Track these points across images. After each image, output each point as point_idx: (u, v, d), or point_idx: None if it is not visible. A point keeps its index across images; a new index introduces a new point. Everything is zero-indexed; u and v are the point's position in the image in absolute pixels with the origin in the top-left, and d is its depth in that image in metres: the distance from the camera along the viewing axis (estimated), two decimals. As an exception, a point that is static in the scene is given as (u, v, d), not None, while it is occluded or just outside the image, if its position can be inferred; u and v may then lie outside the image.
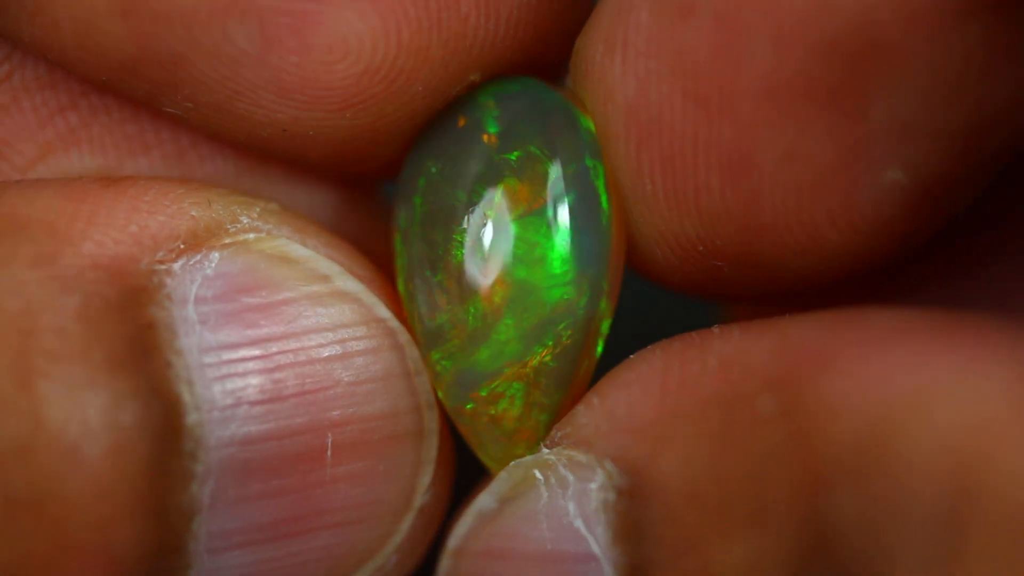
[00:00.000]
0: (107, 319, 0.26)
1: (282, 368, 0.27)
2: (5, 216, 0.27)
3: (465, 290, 0.29)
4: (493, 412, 0.29)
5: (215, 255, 0.28)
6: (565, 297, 0.28)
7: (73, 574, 0.26)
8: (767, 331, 0.27)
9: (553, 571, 0.28)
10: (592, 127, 0.29)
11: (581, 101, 0.29)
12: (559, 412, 0.29)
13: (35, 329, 0.26)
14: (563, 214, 0.29)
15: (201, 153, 0.31)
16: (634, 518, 0.27)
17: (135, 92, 0.29)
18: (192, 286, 0.27)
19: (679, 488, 0.26)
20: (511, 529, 0.28)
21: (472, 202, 0.29)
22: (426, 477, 0.29)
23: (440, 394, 0.29)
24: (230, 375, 0.27)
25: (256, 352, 0.27)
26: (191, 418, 0.27)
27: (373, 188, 0.32)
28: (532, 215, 0.29)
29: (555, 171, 0.29)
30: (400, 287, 0.30)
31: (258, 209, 0.29)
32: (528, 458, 0.29)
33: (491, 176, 0.29)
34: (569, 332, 0.29)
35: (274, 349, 0.27)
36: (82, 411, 0.25)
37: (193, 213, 0.28)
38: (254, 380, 0.27)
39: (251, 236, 0.28)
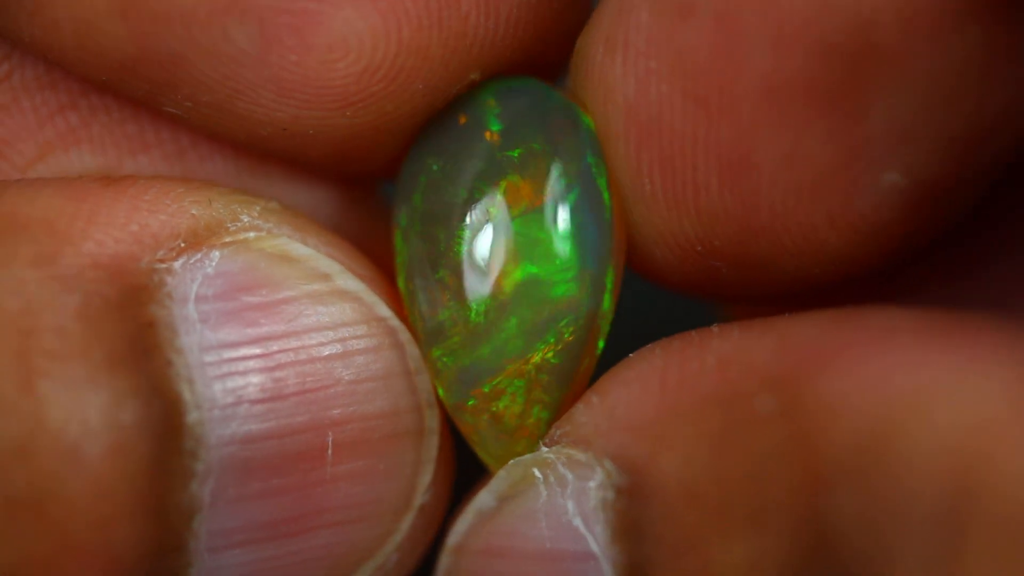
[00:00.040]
0: (107, 318, 0.26)
1: (283, 367, 0.27)
2: (5, 215, 0.27)
3: (467, 287, 0.29)
4: (494, 409, 0.29)
5: (216, 254, 0.28)
6: (568, 294, 0.29)
7: (74, 574, 0.26)
8: (767, 330, 0.27)
9: (552, 569, 0.28)
10: (593, 126, 0.29)
11: (581, 101, 0.29)
12: (560, 409, 0.29)
13: (35, 328, 0.26)
14: (565, 211, 0.29)
15: (201, 152, 0.31)
16: (633, 517, 0.27)
17: (135, 92, 0.29)
18: (193, 284, 0.27)
19: (678, 487, 0.26)
20: (510, 527, 0.28)
21: (474, 199, 0.29)
22: (426, 476, 0.29)
23: (441, 391, 0.29)
24: (231, 374, 0.27)
25: (257, 351, 0.27)
26: (192, 417, 0.27)
27: (372, 187, 0.32)
28: (534, 212, 0.29)
29: (557, 168, 0.29)
30: (400, 285, 0.30)
31: (258, 208, 0.29)
32: (527, 456, 0.29)
33: (493, 173, 0.29)
34: (572, 329, 0.29)
35: (275, 348, 0.27)
36: (82, 410, 0.25)
37: (193, 212, 0.28)
38: (255, 379, 0.27)
39: (251, 235, 0.28)
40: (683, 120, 0.27)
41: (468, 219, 0.29)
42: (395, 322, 0.29)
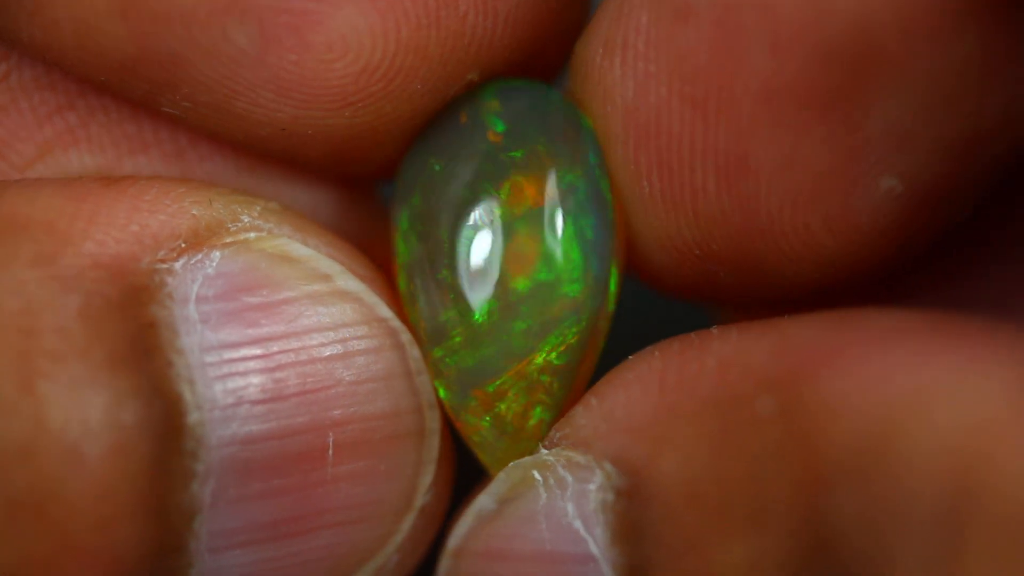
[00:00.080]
0: (108, 318, 0.26)
1: (283, 367, 0.27)
2: (5, 216, 0.27)
3: (470, 288, 0.29)
4: (496, 410, 0.29)
5: (216, 254, 0.28)
6: (572, 295, 0.29)
7: (74, 574, 0.26)
8: (766, 331, 0.27)
9: (552, 572, 0.28)
10: (592, 127, 0.29)
11: (579, 102, 0.29)
12: (561, 410, 0.29)
13: (36, 329, 0.26)
14: (569, 212, 0.29)
15: (200, 152, 0.31)
16: (633, 519, 0.27)
17: (134, 92, 0.29)
18: (193, 285, 0.27)
19: (678, 488, 0.26)
20: (510, 530, 0.28)
21: (477, 200, 0.29)
22: (427, 477, 0.29)
23: (442, 392, 0.29)
24: (231, 374, 0.27)
25: (257, 351, 0.27)
26: (192, 417, 0.27)
27: (371, 188, 0.32)
28: (538, 213, 0.29)
29: (560, 169, 0.29)
30: (401, 285, 0.30)
31: (259, 208, 0.29)
32: (527, 459, 0.29)
33: (496, 174, 0.29)
34: (575, 330, 0.29)
35: (275, 348, 0.27)
36: (83, 411, 0.25)
37: (194, 212, 0.28)
38: (255, 379, 0.27)
39: (252, 235, 0.28)
40: (681, 123, 0.28)
41: (471, 220, 0.29)
42: (396, 323, 0.29)
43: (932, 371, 0.24)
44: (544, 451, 0.29)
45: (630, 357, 0.28)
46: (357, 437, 0.28)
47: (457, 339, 0.29)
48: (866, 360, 0.25)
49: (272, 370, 0.27)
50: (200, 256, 0.27)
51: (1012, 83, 0.27)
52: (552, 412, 0.29)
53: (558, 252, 0.29)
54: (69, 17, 0.28)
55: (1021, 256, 0.31)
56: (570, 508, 0.28)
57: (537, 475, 0.28)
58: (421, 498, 0.29)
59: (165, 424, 0.26)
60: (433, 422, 0.29)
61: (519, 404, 0.29)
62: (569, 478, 0.28)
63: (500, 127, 0.29)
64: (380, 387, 0.28)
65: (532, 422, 0.29)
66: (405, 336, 0.29)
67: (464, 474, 0.30)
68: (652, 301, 0.34)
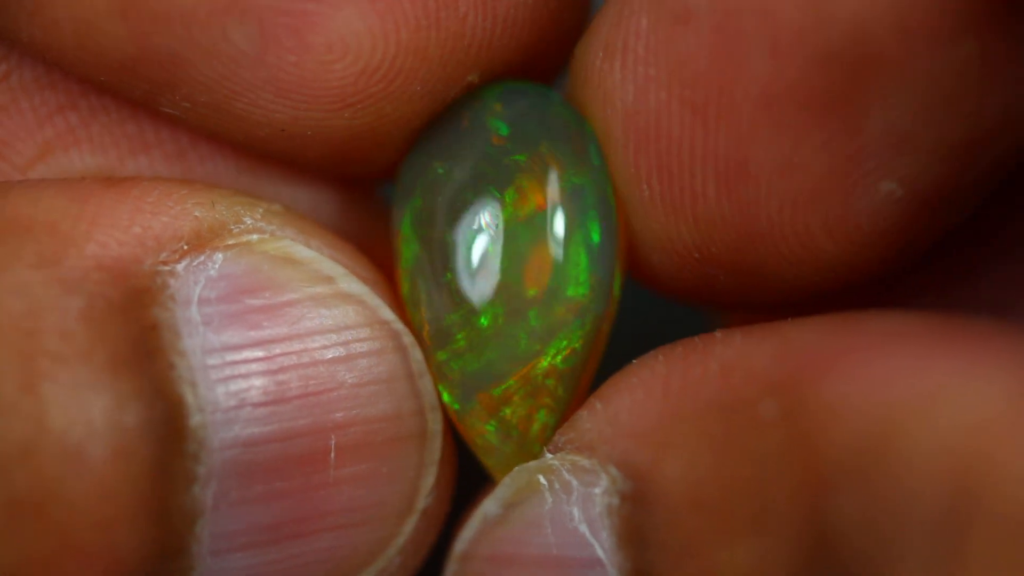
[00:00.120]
0: (111, 320, 0.26)
1: (285, 370, 0.27)
2: (9, 217, 0.27)
3: (475, 292, 0.29)
4: (500, 414, 0.29)
5: (219, 256, 0.28)
6: (577, 298, 0.29)
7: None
8: (769, 335, 0.27)
9: None
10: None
11: (579, 105, 0.29)
12: (565, 414, 0.29)
13: (38, 330, 0.26)
14: (573, 215, 0.29)
15: (201, 153, 0.31)
16: (638, 522, 0.27)
17: (134, 92, 0.29)
18: (196, 287, 0.27)
19: (682, 492, 0.26)
20: (516, 534, 0.28)
21: (481, 203, 0.29)
22: (429, 479, 0.29)
23: (445, 396, 0.29)
24: (233, 377, 0.27)
25: (259, 354, 0.27)
26: (194, 420, 0.26)
27: (371, 189, 0.32)
28: (542, 216, 0.29)
29: (565, 172, 0.29)
30: (404, 288, 0.30)
31: (261, 210, 0.29)
32: (532, 463, 0.29)
33: (501, 178, 0.29)
34: (579, 334, 0.29)
35: (277, 351, 0.27)
36: (85, 413, 0.25)
37: (197, 214, 0.28)
38: (257, 382, 0.27)
39: (255, 237, 0.28)
40: (681, 127, 0.28)
41: (475, 223, 0.29)
42: (398, 325, 0.28)
43: (933, 373, 0.24)
44: (549, 455, 0.29)
45: (634, 361, 0.28)
46: (359, 440, 0.28)
47: (462, 343, 0.29)
48: (868, 363, 0.25)
49: (274, 372, 0.27)
50: (203, 258, 0.27)
51: (1012, 84, 0.27)
52: (556, 416, 0.29)
53: (563, 256, 0.28)
54: (69, 17, 0.28)
55: (1021, 257, 0.31)
56: (575, 512, 0.28)
57: (542, 479, 0.28)
58: (423, 500, 0.29)
59: (167, 426, 0.26)
60: (435, 424, 0.29)
61: (524, 408, 0.29)
62: (574, 482, 0.28)
63: (503, 130, 0.29)
64: (382, 389, 0.28)
65: (536, 426, 0.29)
66: (407, 338, 0.29)
67: (466, 476, 0.30)
68: (652, 303, 0.34)
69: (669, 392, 0.27)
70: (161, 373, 0.26)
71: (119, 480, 0.26)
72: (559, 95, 0.30)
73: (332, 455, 0.28)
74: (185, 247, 0.27)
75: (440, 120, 0.30)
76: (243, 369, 0.27)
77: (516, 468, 0.29)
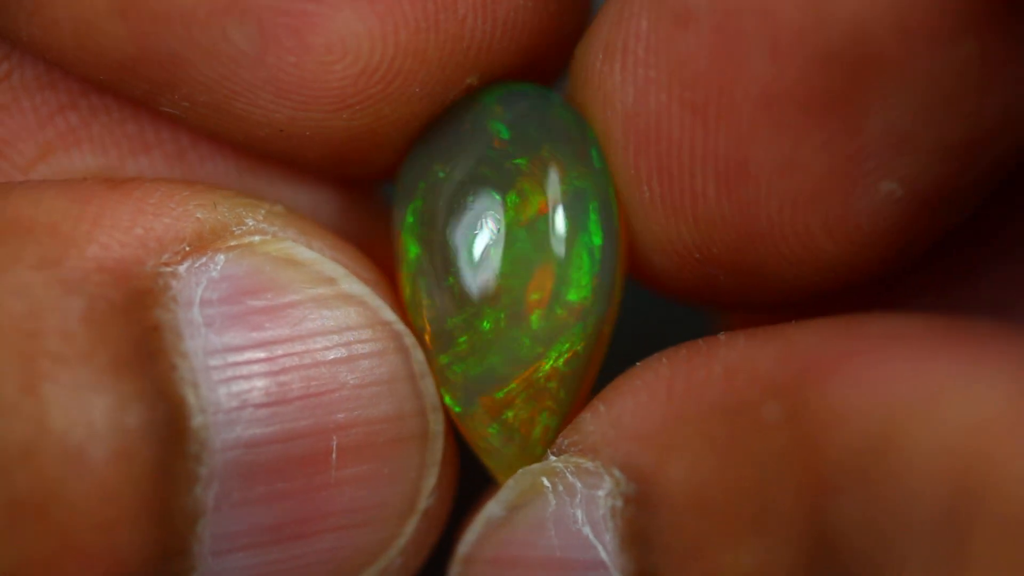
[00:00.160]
0: (112, 322, 0.26)
1: (287, 371, 0.27)
2: (10, 218, 0.27)
3: (477, 295, 0.29)
4: (503, 417, 0.29)
5: (220, 257, 0.28)
6: (579, 301, 0.29)
7: None
8: (772, 338, 0.27)
9: None
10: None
11: (580, 107, 0.29)
12: (568, 416, 0.29)
13: (40, 331, 0.26)
14: (575, 217, 0.29)
15: (201, 153, 0.31)
16: (641, 525, 0.27)
17: (133, 92, 0.29)
18: (197, 288, 0.27)
19: (686, 495, 0.26)
20: (520, 537, 0.28)
21: (483, 206, 0.29)
22: (431, 480, 0.29)
23: (447, 398, 0.29)
24: (235, 378, 0.27)
25: (261, 355, 0.27)
26: (196, 421, 0.26)
27: (371, 189, 0.32)
28: (544, 219, 0.29)
29: (566, 175, 0.29)
30: (405, 290, 0.30)
31: (263, 211, 0.29)
32: (535, 466, 0.29)
33: (502, 181, 0.29)
34: (581, 336, 0.29)
35: (279, 352, 0.27)
36: (87, 414, 0.25)
37: (198, 215, 0.28)
38: (259, 383, 0.27)
39: (256, 238, 0.28)
40: (681, 128, 0.28)
41: (477, 226, 0.29)
42: (400, 326, 0.28)
43: (934, 375, 0.24)
44: (553, 458, 0.29)
45: (637, 364, 0.29)
46: (361, 440, 0.28)
47: (463, 346, 0.29)
48: (870, 366, 0.25)
49: (276, 373, 0.27)
50: (204, 259, 0.27)
51: (1011, 85, 0.27)
52: (558, 418, 0.29)
53: (564, 259, 0.28)
54: (69, 16, 0.28)
55: (1021, 257, 0.31)
56: (579, 514, 0.28)
57: (546, 482, 0.28)
58: (424, 501, 0.29)
59: (169, 427, 0.26)
60: (437, 425, 0.29)
61: (526, 411, 0.29)
62: (578, 484, 0.28)
63: (504, 133, 0.29)
64: (384, 390, 0.28)
65: (539, 429, 0.29)
66: (409, 339, 0.29)
67: (468, 477, 0.30)
68: (653, 304, 0.34)
69: (672, 394, 0.27)
70: (163, 374, 0.26)
71: (120, 481, 0.26)
72: (559, 97, 0.30)
73: (334, 456, 0.28)
74: (187, 248, 0.27)
75: (440, 122, 0.30)
76: (245, 370, 0.27)
77: (520, 471, 0.29)
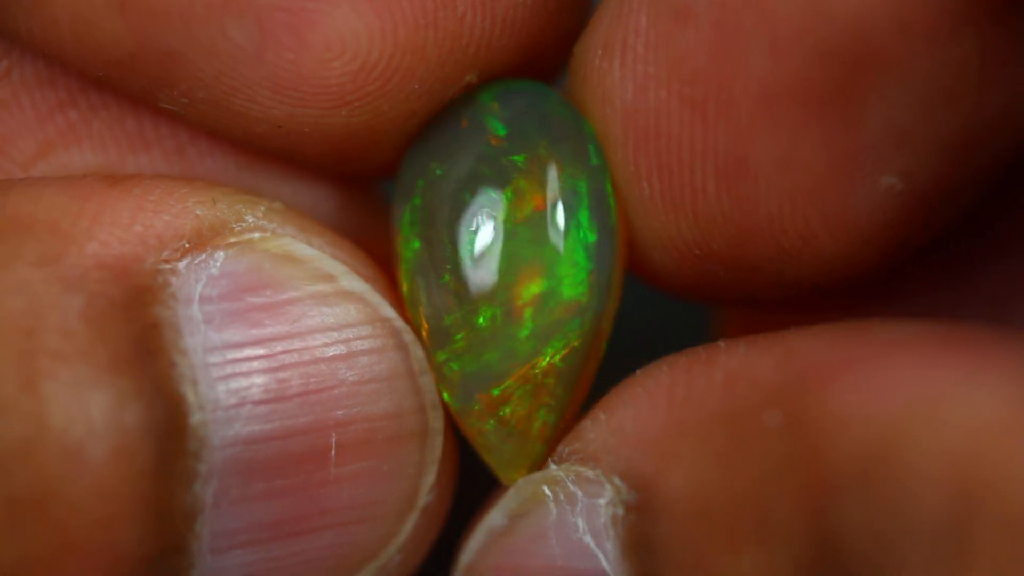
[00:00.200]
0: (112, 319, 0.26)
1: (286, 368, 0.27)
2: (9, 215, 0.27)
3: (474, 292, 0.29)
4: (500, 413, 0.29)
5: (220, 254, 0.27)
6: (576, 298, 0.29)
7: (75, 574, 0.26)
8: (773, 345, 0.27)
9: None
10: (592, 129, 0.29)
11: (579, 104, 0.29)
12: (566, 412, 0.29)
13: (39, 329, 0.26)
14: (571, 215, 0.29)
15: (201, 149, 0.31)
16: (643, 533, 0.27)
17: (132, 88, 0.29)
18: (197, 285, 0.27)
19: (687, 503, 0.26)
20: (521, 546, 0.28)
21: (479, 204, 0.29)
22: (430, 477, 0.29)
23: (446, 395, 0.29)
24: (234, 375, 0.27)
25: (261, 351, 0.27)
26: (195, 418, 0.26)
27: (371, 187, 0.32)
28: (541, 216, 0.29)
29: (562, 172, 0.29)
30: (403, 287, 0.30)
31: (263, 208, 0.29)
32: (537, 474, 0.29)
33: (499, 178, 0.29)
34: (579, 333, 0.29)
35: (278, 349, 0.27)
36: (86, 411, 0.25)
37: (198, 212, 0.28)
38: (258, 380, 0.27)
39: (256, 235, 0.28)
40: (681, 124, 0.28)
41: (473, 224, 0.29)
42: (399, 323, 0.28)
43: (935, 381, 0.24)
44: (554, 466, 0.29)
45: (638, 371, 0.29)
46: (360, 437, 0.28)
47: (460, 343, 0.29)
48: (871, 372, 0.25)
49: (275, 370, 0.27)
50: (204, 256, 0.27)
51: (1011, 82, 0.27)
52: (556, 414, 0.29)
53: (561, 256, 0.28)
54: (68, 13, 0.28)
55: (1019, 254, 0.31)
56: (580, 523, 0.28)
57: (547, 490, 0.28)
58: (423, 498, 0.29)
59: (168, 425, 0.26)
60: (436, 422, 0.29)
61: (524, 408, 0.29)
62: (579, 493, 0.28)
63: (501, 130, 0.29)
64: (383, 387, 0.28)
65: (537, 425, 0.29)
66: (408, 336, 0.29)
67: (467, 473, 0.30)
68: (653, 300, 0.34)
69: (673, 402, 0.27)
70: (162, 371, 0.26)
71: (119, 479, 0.26)
72: (557, 94, 0.30)
73: (333, 453, 0.28)
74: (186, 245, 0.27)
75: (439, 120, 0.30)
76: (244, 367, 0.27)
77: (521, 479, 0.29)
